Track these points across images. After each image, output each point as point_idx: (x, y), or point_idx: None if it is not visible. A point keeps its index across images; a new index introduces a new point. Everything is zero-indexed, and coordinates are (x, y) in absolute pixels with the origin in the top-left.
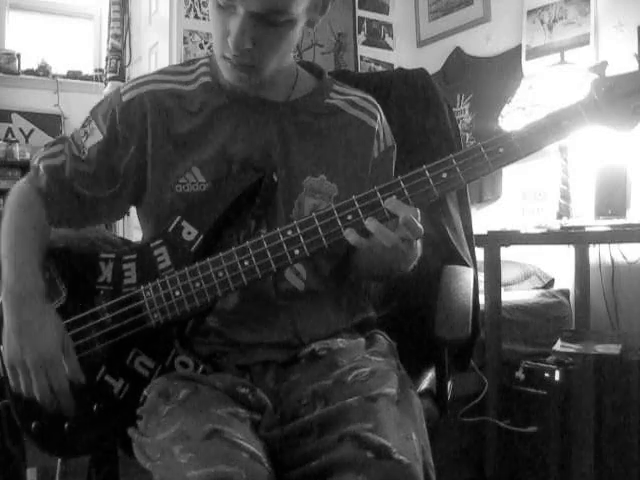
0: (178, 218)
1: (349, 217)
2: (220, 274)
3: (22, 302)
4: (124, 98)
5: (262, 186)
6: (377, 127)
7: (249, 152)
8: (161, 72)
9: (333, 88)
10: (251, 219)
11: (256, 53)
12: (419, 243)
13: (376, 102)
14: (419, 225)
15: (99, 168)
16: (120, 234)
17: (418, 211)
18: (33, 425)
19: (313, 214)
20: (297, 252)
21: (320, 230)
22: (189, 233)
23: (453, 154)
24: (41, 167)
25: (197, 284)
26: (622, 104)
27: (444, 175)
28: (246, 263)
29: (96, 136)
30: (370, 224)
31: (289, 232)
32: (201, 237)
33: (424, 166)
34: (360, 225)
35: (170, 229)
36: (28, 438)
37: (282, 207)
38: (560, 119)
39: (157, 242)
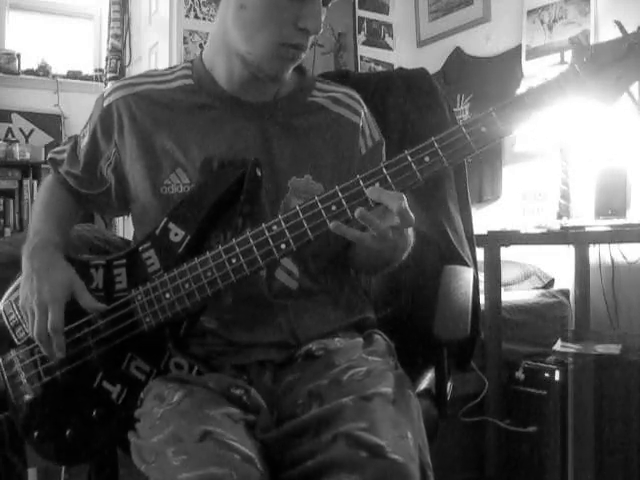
0: (165, 220)
1: (333, 208)
2: (209, 274)
3: (35, 252)
4: (104, 103)
5: (245, 182)
6: (361, 123)
7: (231, 153)
8: (140, 76)
9: (315, 86)
10: (238, 217)
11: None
12: (411, 231)
13: (360, 98)
14: (411, 214)
15: (85, 169)
16: (120, 234)
17: (404, 196)
18: (35, 434)
19: (297, 207)
20: (283, 246)
21: (305, 223)
22: (176, 234)
23: (434, 137)
24: (49, 160)
25: (187, 285)
26: (605, 73)
27: (426, 159)
28: (233, 261)
29: (86, 139)
30: (358, 214)
31: (274, 227)
32: (188, 238)
33: (406, 151)
34: (345, 215)
35: (157, 231)
36: (31, 447)
37: (268, 209)
38: (541, 94)
39: (145, 245)
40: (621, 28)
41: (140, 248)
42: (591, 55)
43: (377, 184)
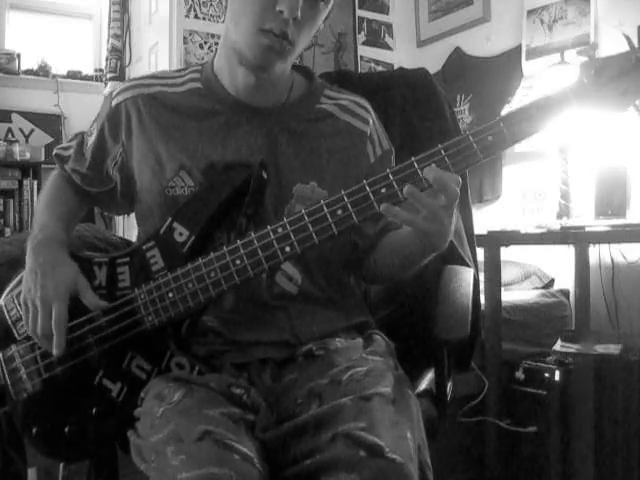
0: (169, 219)
1: (339, 212)
2: (212, 274)
3: (40, 248)
4: (113, 102)
5: (251, 184)
6: (369, 131)
7: (237, 158)
8: (150, 77)
9: (324, 92)
10: (242, 218)
11: (296, 29)
12: (454, 219)
13: (368, 105)
14: (453, 187)
15: (91, 167)
16: (120, 234)
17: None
18: (34, 431)
19: (303, 210)
20: (288, 249)
21: (310, 226)
22: (181, 234)
23: (441, 144)
24: (54, 156)
25: (190, 285)
26: (611, 87)
27: (433, 166)
28: (237, 262)
29: (93, 137)
30: (408, 192)
31: (279, 229)
32: (193, 238)
33: (412, 158)
34: (350, 220)
35: (162, 231)
36: (29, 443)
37: (272, 214)
38: (549, 105)
39: (149, 244)
40: (629, 41)
41: (144, 247)
42: (598, 68)
43: (384, 189)
